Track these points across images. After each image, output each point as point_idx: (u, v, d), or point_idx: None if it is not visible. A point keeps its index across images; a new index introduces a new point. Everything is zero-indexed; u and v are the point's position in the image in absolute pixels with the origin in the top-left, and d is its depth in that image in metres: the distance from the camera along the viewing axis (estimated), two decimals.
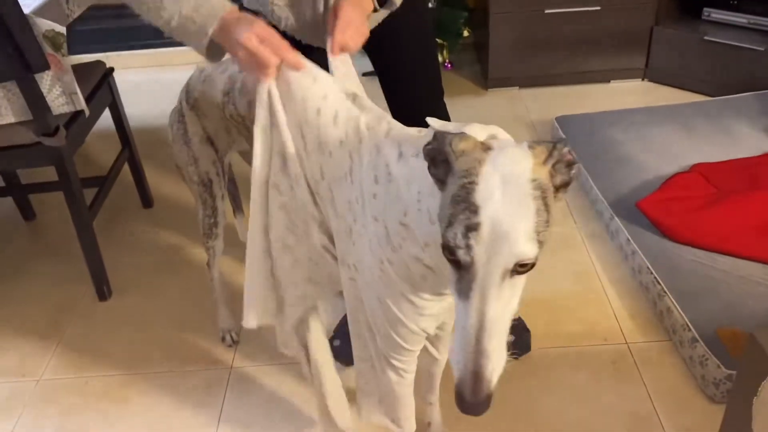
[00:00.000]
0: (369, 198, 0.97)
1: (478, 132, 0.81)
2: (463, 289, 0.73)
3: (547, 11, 2.94)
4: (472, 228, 0.71)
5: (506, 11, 2.95)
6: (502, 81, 3.16)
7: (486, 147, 0.77)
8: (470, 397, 0.70)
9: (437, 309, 1.06)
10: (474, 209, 0.71)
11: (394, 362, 1.14)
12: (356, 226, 1.02)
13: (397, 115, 1.46)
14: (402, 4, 1.35)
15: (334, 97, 1.05)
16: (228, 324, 1.87)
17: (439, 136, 0.78)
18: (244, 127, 1.38)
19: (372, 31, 1.28)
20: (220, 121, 1.43)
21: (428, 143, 0.80)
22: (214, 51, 1.16)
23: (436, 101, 1.62)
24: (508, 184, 0.72)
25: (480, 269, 0.72)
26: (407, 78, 1.56)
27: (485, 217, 0.71)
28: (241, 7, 1.46)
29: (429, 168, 0.81)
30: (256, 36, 1.05)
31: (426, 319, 1.06)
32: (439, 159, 0.79)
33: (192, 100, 1.44)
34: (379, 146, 0.98)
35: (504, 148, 0.77)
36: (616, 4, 2.94)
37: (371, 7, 1.25)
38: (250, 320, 1.26)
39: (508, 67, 3.12)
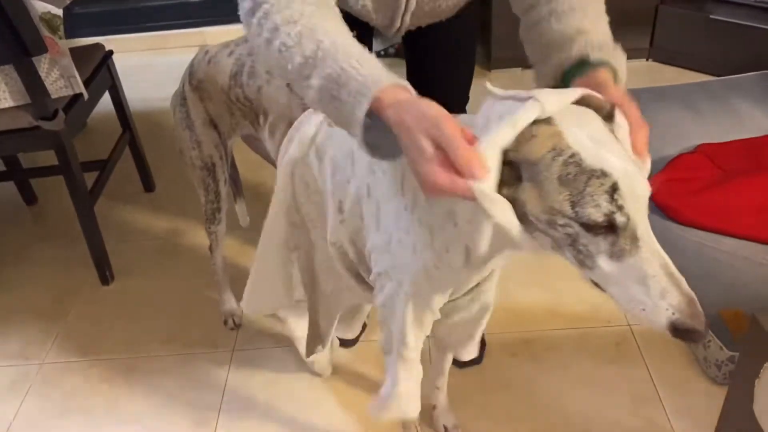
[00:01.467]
0: (420, 203, 0.94)
1: (553, 98, 0.75)
2: (623, 247, 0.72)
3: None
4: (614, 189, 0.70)
5: None
6: (505, 62, 3.13)
7: (546, 122, 0.74)
8: (700, 324, 0.70)
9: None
10: (599, 173, 0.71)
11: (406, 353, 1.15)
12: (397, 234, 1.00)
13: None
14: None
15: None
16: (230, 308, 1.87)
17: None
18: (250, 110, 1.37)
19: (412, 31, 1.27)
20: (223, 104, 1.42)
21: None
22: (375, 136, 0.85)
23: (459, 109, 1.59)
24: (598, 139, 0.73)
25: (635, 220, 0.72)
26: (434, 83, 1.49)
27: (616, 174, 0.71)
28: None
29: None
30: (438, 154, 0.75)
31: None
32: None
33: (195, 81, 1.43)
34: None
35: (564, 114, 0.75)
36: None
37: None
38: (251, 306, 1.27)
39: (511, 47, 3.03)
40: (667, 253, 1.98)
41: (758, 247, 1.82)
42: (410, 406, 1.22)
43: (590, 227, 0.71)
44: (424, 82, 1.46)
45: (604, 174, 0.70)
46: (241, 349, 1.81)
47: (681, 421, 1.53)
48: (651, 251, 0.72)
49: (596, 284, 0.77)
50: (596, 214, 0.70)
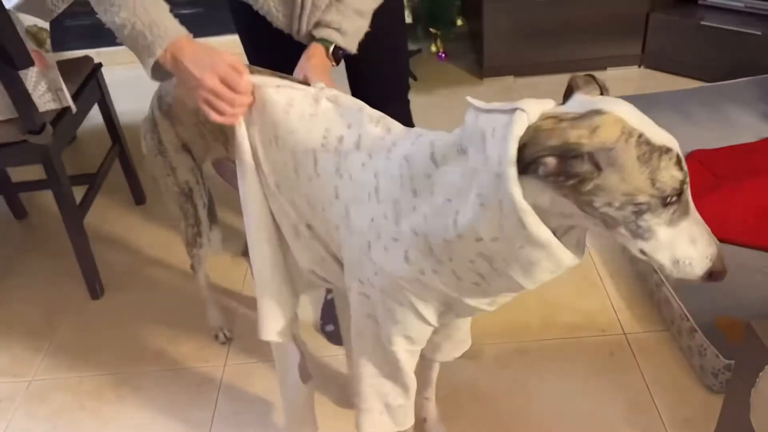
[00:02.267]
0: (408, 211, 0.96)
1: (534, 107, 0.82)
2: (680, 211, 0.82)
3: None
4: (678, 161, 0.80)
5: None
6: (498, 70, 3.13)
7: (598, 112, 0.80)
8: (725, 266, 0.85)
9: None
10: (665, 149, 0.79)
11: (401, 374, 1.13)
12: (380, 241, 1.00)
13: None
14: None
15: (344, 126, 1.08)
16: (219, 322, 1.85)
17: (568, 149, 0.78)
18: (220, 132, 1.34)
19: None
20: (194, 127, 1.39)
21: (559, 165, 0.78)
22: (159, 72, 1.17)
23: (401, 101, 1.68)
24: (641, 117, 0.81)
25: (687, 185, 0.82)
26: (374, 75, 1.59)
27: (675, 147, 0.80)
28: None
29: (559, 177, 0.79)
30: (218, 77, 1.09)
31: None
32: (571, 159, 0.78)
33: (165, 106, 1.39)
34: (409, 157, 0.97)
35: (603, 106, 0.81)
36: None
37: (330, 65, 1.32)
38: (269, 333, 1.25)
39: (504, 56, 3.08)
40: None
41: (753, 254, 1.81)
42: (406, 419, 1.21)
43: (665, 199, 0.79)
44: (362, 74, 1.59)
45: (668, 149, 0.79)
46: (233, 364, 1.79)
47: (678, 430, 1.51)
48: (695, 211, 0.83)
49: (642, 253, 0.84)
50: (673, 185, 0.79)
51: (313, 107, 1.10)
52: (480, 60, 3.16)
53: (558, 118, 0.81)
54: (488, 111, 0.85)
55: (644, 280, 1.88)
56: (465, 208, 0.87)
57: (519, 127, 0.80)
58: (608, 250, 2.05)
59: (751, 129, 2.35)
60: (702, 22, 2.83)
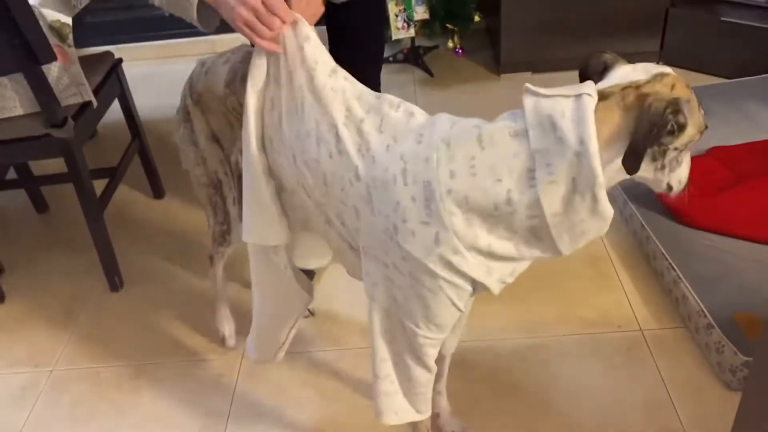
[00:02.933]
0: (443, 193, 0.99)
1: (593, 90, 0.96)
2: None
3: None
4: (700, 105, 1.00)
5: None
6: (515, 66, 3.12)
7: (659, 77, 0.98)
8: None
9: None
10: (698, 97, 1.00)
11: (426, 359, 1.14)
12: (407, 224, 1.01)
13: None
14: None
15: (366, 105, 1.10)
16: (225, 326, 1.81)
17: (676, 102, 0.94)
18: None
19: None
20: (223, 117, 1.41)
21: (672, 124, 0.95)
22: (206, 16, 1.19)
23: (376, 64, 1.76)
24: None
25: None
26: (354, 40, 1.65)
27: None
28: None
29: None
30: None
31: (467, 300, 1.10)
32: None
33: (196, 95, 1.42)
34: (450, 140, 1.01)
35: (661, 69, 0.99)
36: None
37: (321, 11, 1.24)
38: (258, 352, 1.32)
39: (521, 52, 3.07)
40: (680, 256, 1.96)
41: None
42: (426, 407, 1.22)
43: (702, 132, 1.00)
44: (344, 38, 1.64)
45: (699, 99, 0.99)
46: None
47: (695, 427, 1.51)
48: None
49: (669, 185, 1.04)
50: (704, 123, 1.00)
51: (333, 80, 1.11)
52: (497, 56, 3.15)
53: (633, 86, 0.94)
54: (550, 96, 0.95)
55: (661, 276, 1.87)
56: (522, 187, 0.95)
57: (591, 108, 0.92)
58: (623, 245, 2.04)
59: None
60: (722, 18, 2.80)
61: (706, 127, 0.99)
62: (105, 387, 1.77)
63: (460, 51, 3.39)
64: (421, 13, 3.08)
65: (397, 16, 3.06)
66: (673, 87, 0.95)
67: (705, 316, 1.63)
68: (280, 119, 1.14)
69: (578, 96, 0.93)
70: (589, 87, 0.95)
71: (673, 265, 1.79)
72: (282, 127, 1.14)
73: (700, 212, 1.90)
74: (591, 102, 0.92)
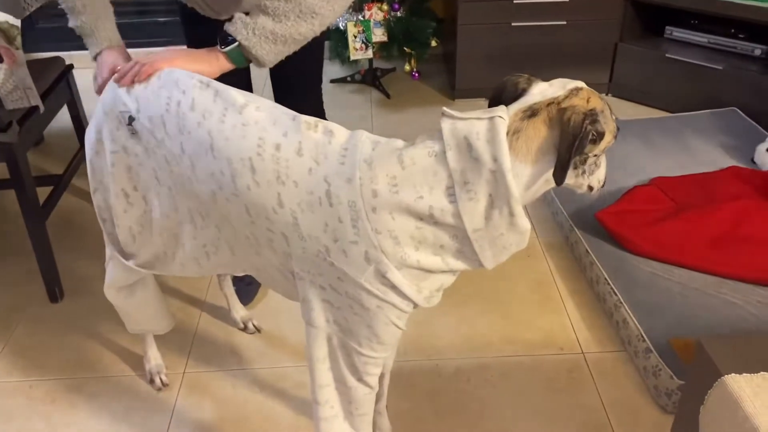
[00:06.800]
0: (368, 212, 1.00)
1: (504, 113, 0.99)
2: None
3: (514, 24, 2.97)
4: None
5: (474, 23, 2.97)
6: (469, 92, 3.18)
7: (575, 91, 1.01)
8: None
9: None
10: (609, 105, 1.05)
11: (368, 378, 1.14)
12: (338, 244, 1.02)
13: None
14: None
15: (285, 132, 1.09)
16: (154, 364, 1.75)
17: (593, 114, 0.98)
18: None
19: None
20: None
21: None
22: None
23: (317, 94, 1.81)
24: None
25: None
26: (295, 73, 1.69)
27: None
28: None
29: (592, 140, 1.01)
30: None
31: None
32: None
33: None
34: (372, 162, 1.02)
35: (575, 84, 1.03)
36: (582, 20, 2.98)
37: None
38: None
39: (476, 78, 3.14)
40: (622, 282, 2.01)
41: (709, 279, 1.86)
42: (366, 427, 1.21)
43: (616, 136, 1.05)
44: (285, 73, 1.65)
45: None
46: (192, 371, 1.77)
47: None
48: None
49: (589, 187, 1.08)
50: (616, 127, 1.04)
51: (239, 117, 1.10)
52: (452, 81, 3.20)
53: (555, 102, 0.99)
54: (465, 119, 0.99)
55: (603, 301, 1.92)
56: (442, 203, 0.98)
57: (503, 129, 0.96)
58: (568, 269, 2.09)
59: (710, 159, 2.43)
60: (667, 55, 2.92)
61: (618, 129, 1.05)
62: (38, 402, 1.71)
63: (417, 74, 3.44)
64: (379, 35, 3.12)
65: (355, 37, 3.09)
66: (588, 100, 1.00)
67: (644, 340, 1.68)
68: (192, 164, 1.14)
69: (491, 118, 0.97)
70: (501, 110, 0.99)
71: (615, 290, 1.84)
72: (195, 169, 1.14)
73: (643, 239, 1.96)
74: (502, 123, 0.97)
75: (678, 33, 3.02)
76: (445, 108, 1.04)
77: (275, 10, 1.17)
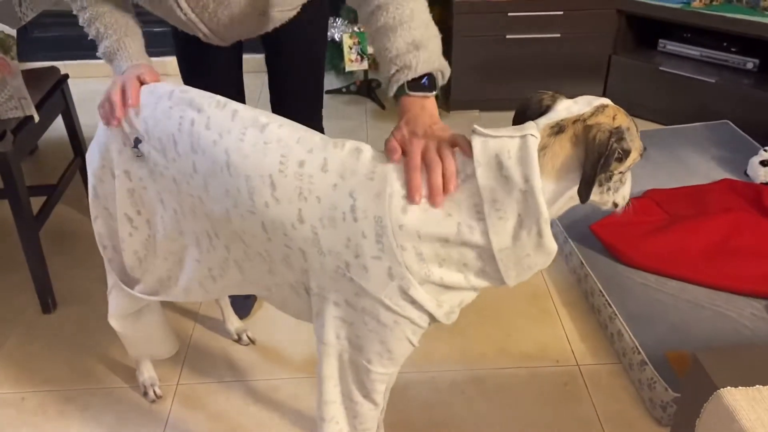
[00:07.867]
0: (395, 228, 0.99)
1: (536, 131, 0.98)
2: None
3: (508, 36, 2.99)
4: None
5: (469, 35, 2.99)
6: (464, 103, 3.19)
7: (602, 107, 1.02)
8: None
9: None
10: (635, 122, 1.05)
11: (375, 395, 1.13)
12: (359, 260, 1.01)
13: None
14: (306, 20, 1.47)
15: (315, 147, 1.08)
16: (150, 375, 1.74)
17: (619, 131, 0.98)
18: None
19: (273, 34, 1.45)
20: None
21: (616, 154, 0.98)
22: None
23: (318, 117, 1.79)
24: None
25: None
26: (297, 94, 1.71)
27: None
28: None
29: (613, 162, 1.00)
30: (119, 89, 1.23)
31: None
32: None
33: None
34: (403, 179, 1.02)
35: (601, 102, 1.03)
36: (576, 33, 3.00)
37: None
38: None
39: (470, 90, 3.15)
40: (616, 294, 2.01)
41: (701, 290, 1.87)
42: None
43: (642, 154, 1.05)
44: (283, 92, 1.69)
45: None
46: (185, 383, 1.76)
47: None
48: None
49: (614, 203, 1.07)
50: (642, 146, 1.05)
51: (261, 135, 1.09)
52: (447, 93, 3.22)
53: (581, 119, 0.98)
54: (497, 137, 0.99)
55: (598, 312, 1.92)
56: (471, 221, 0.98)
57: (535, 148, 0.96)
58: (563, 281, 2.09)
59: (704, 171, 2.44)
60: (660, 68, 2.94)
61: (645, 148, 1.05)
62: (30, 414, 1.69)
63: None
64: None
65: (351, 48, 3.10)
66: (614, 117, 1.00)
67: (639, 352, 1.68)
68: (204, 183, 1.13)
69: (523, 137, 0.97)
70: (532, 128, 0.98)
71: (610, 302, 1.84)
72: (208, 187, 1.13)
73: (637, 251, 1.97)
74: (534, 142, 0.96)
75: (671, 46, 3.04)
76: (475, 126, 1.03)
77: (394, 19, 1.12)
